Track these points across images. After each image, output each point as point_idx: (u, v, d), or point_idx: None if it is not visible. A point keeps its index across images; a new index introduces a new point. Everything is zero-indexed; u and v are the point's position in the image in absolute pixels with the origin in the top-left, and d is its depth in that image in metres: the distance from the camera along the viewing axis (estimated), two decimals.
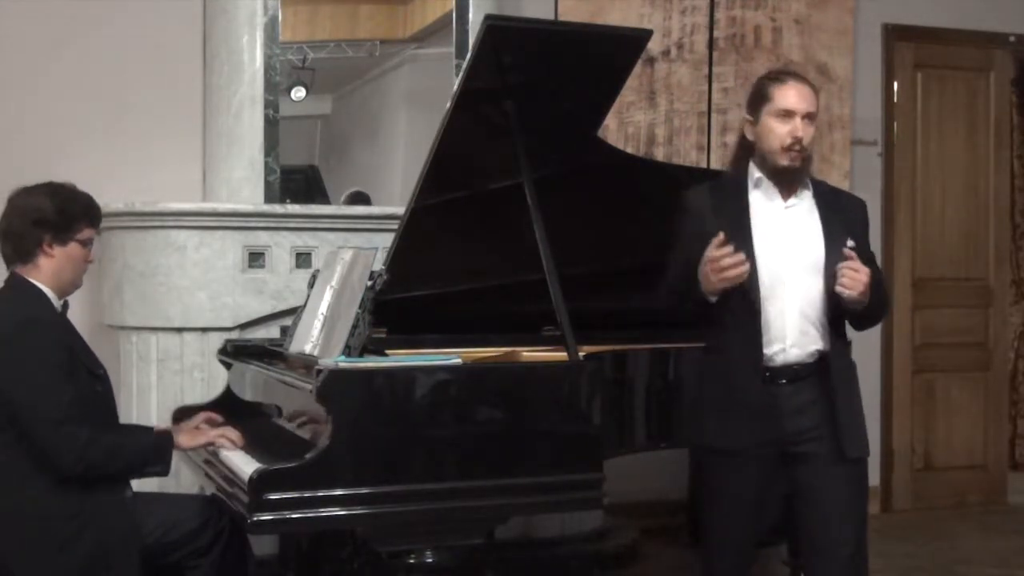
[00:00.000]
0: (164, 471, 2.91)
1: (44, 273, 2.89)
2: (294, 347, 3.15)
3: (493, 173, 3.13)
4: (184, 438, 2.98)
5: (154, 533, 2.88)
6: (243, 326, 4.03)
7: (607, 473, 2.73)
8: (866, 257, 2.79)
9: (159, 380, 4.00)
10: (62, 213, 2.89)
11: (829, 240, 2.80)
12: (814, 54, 5.30)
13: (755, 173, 2.87)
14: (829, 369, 2.80)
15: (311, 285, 3.30)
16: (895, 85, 5.61)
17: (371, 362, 2.72)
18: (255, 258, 4.05)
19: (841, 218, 2.85)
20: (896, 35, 5.59)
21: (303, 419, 2.81)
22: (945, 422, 5.71)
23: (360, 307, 2.84)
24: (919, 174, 5.66)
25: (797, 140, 2.78)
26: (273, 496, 2.46)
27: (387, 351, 2.92)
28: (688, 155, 5.10)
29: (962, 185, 5.73)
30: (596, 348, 2.97)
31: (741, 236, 2.77)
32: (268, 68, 4.24)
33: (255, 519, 2.46)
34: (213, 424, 3.11)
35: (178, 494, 3.43)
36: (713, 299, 2.76)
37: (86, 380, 2.87)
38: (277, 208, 4.12)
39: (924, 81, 5.68)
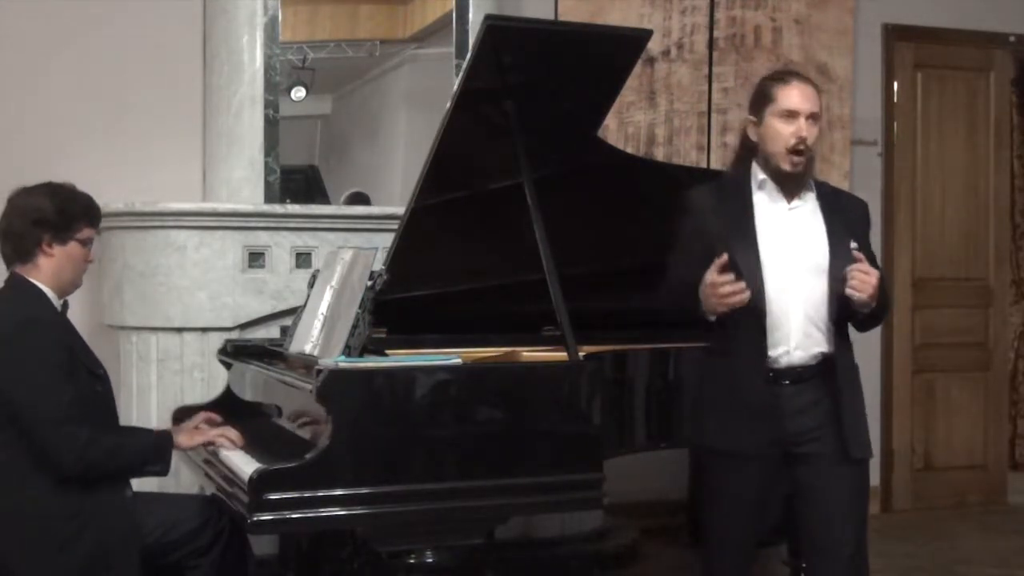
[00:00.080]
0: (164, 471, 2.91)
1: (44, 273, 2.89)
2: (294, 347, 3.15)
3: (493, 173, 3.13)
4: (183, 438, 2.99)
5: (154, 533, 2.88)
6: (243, 326, 4.03)
7: (607, 473, 2.73)
8: (867, 257, 2.79)
9: (159, 380, 4.00)
10: (62, 213, 2.89)
11: (833, 242, 2.79)
12: (814, 54, 5.30)
13: (759, 174, 2.86)
14: (834, 370, 2.79)
15: (311, 285, 3.30)
16: (895, 85, 5.61)
17: (371, 362, 2.72)
18: (255, 258, 4.05)
19: (844, 219, 2.85)
20: (896, 35, 5.59)
21: (303, 419, 2.81)
22: (945, 422, 5.71)
23: (360, 307, 2.84)
24: (919, 174, 5.66)
25: (801, 140, 2.77)
26: (273, 496, 2.46)
27: (387, 351, 2.92)
28: (688, 155, 5.10)
29: (962, 185, 5.73)
30: (596, 348, 2.97)
31: (746, 238, 2.77)
32: (268, 68, 4.24)
33: (255, 519, 2.46)
34: (212, 424, 3.11)
35: (178, 494, 3.43)
36: (713, 318, 2.75)
37: (86, 380, 2.87)
38: (277, 208, 4.12)
39: (924, 81, 5.68)
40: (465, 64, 2.93)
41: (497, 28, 2.80)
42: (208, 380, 3.95)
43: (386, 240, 3.22)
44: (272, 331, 3.97)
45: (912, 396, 5.65)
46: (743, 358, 2.77)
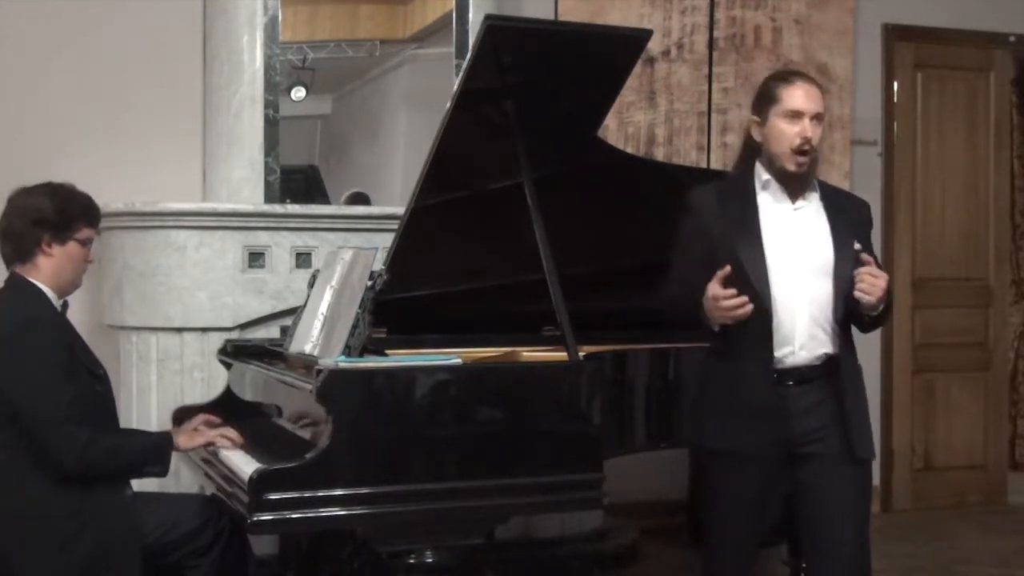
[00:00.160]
0: (163, 472, 2.91)
1: (44, 273, 2.90)
2: (294, 347, 3.15)
3: (493, 173, 3.13)
4: (183, 439, 2.98)
5: (154, 533, 2.88)
6: (243, 326, 4.03)
7: (607, 473, 2.73)
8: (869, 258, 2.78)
9: (159, 380, 4.00)
10: (61, 213, 2.89)
11: (837, 242, 2.79)
12: (814, 54, 5.30)
13: (763, 175, 2.85)
14: (838, 371, 2.79)
15: (311, 285, 3.30)
16: (895, 85, 5.61)
17: (371, 362, 2.72)
18: (255, 258, 4.05)
19: (847, 220, 2.84)
20: (896, 35, 5.59)
21: (303, 419, 2.81)
22: (945, 422, 5.71)
23: (360, 307, 2.84)
24: (919, 174, 5.66)
25: (806, 141, 2.76)
26: (273, 496, 2.46)
27: (387, 351, 2.92)
28: (688, 155, 5.10)
29: (962, 185, 5.73)
30: (596, 348, 2.97)
31: (751, 238, 2.76)
32: (268, 68, 4.25)
33: (255, 519, 2.46)
34: (211, 425, 3.11)
35: (178, 494, 3.43)
36: (716, 328, 2.75)
37: (86, 380, 2.88)
38: (277, 208, 4.12)
39: (924, 81, 5.68)
40: (465, 64, 2.93)
41: (497, 28, 2.81)
42: (208, 380, 3.95)
43: (386, 240, 3.22)
44: (272, 331, 3.97)
45: (912, 396, 5.65)
46: (748, 359, 2.77)
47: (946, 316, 5.70)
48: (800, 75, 2.89)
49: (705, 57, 5.14)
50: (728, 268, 2.68)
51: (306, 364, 2.94)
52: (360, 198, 4.79)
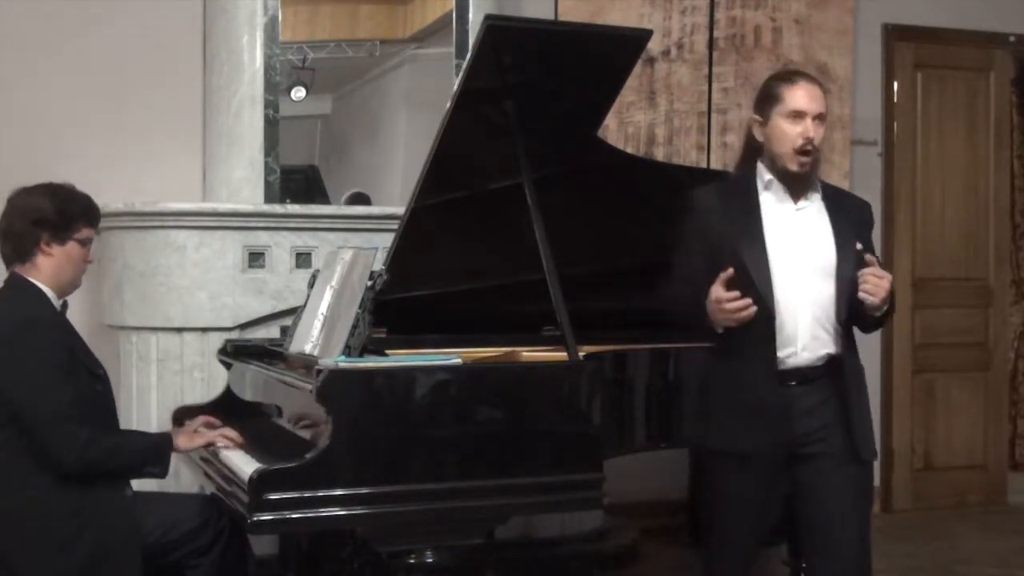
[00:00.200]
0: (162, 473, 2.91)
1: (43, 273, 2.90)
2: (294, 347, 3.15)
3: (493, 173, 3.13)
4: (183, 440, 2.98)
5: (154, 533, 2.88)
6: (243, 326, 4.03)
7: (607, 473, 2.73)
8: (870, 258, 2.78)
9: (159, 380, 4.00)
10: (61, 213, 2.89)
11: (840, 243, 2.79)
12: (814, 54, 5.30)
13: (765, 175, 2.84)
14: (841, 371, 2.79)
15: (311, 285, 3.30)
16: (895, 85, 5.61)
17: (371, 362, 2.72)
18: (255, 258, 4.05)
19: (848, 220, 2.84)
20: (896, 35, 5.59)
21: (303, 419, 2.81)
22: (945, 422, 5.71)
23: (360, 307, 2.84)
24: (919, 174, 5.66)
25: (809, 141, 2.76)
26: (273, 496, 2.46)
27: (387, 351, 2.92)
28: (688, 155, 5.10)
29: (962, 185, 5.73)
30: (596, 348, 2.97)
31: (754, 239, 2.76)
32: (268, 68, 4.24)
33: (255, 519, 2.46)
34: (211, 427, 3.11)
35: (178, 493, 3.43)
36: (720, 331, 2.74)
37: (86, 380, 2.88)
38: (277, 208, 4.12)
39: (924, 81, 5.68)
40: (465, 64, 2.93)
41: (497, 28, 2.80)
42: (208, 380, 3.95)
43: (386, 240, 3.22)
44: (272, 331, 3.97)
45: (912, 396, 5.65)
46: (751, 360, 2.76)
47: (946, 316, 5.70)
48: (803, 75, 2.88)
49: (705, 57, 5.14)
50: (731, 271, 2.67)
51: (306, 364, 2.94)
52: (360, 198, 4.79)
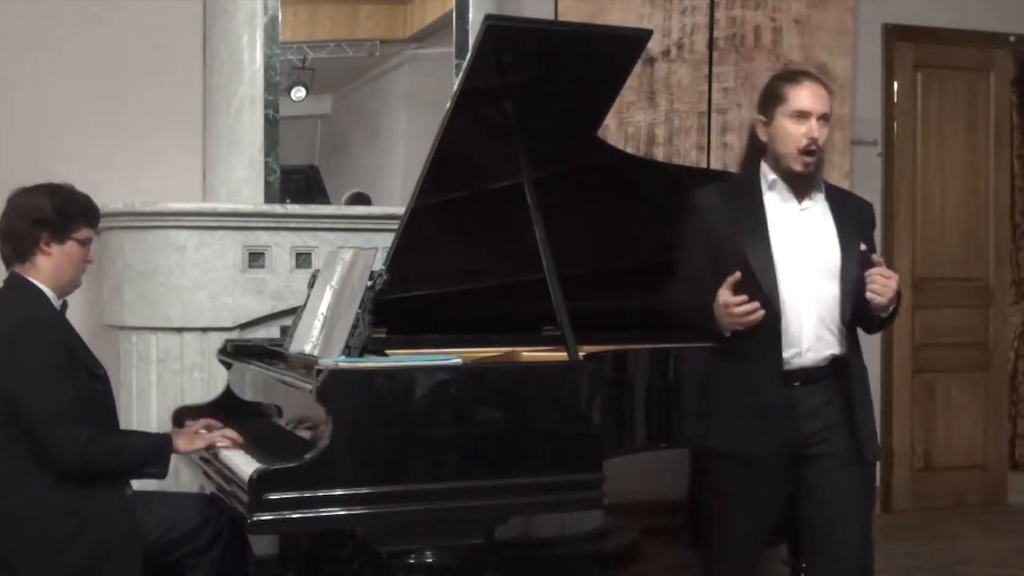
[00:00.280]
0: (162, 474, 2.91)
1: (43, 272, 2.90)
2: (294, 347, 3.15)
3: (493, 173, 3.13)
4: (183, 442, 2.98)
5: (154, 532, 2.88)
6: (243, 326, 4.03)
7: (607, 473, 2.73)
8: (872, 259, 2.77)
9: (159, 380, 4.00)
10: (60, 212, 2.89)
11: (844, 244, 2.78)
12: (814, 54, 5.30)
13: (769, 175, 2.84)
14: (845, 371, 2.78)
15: (311, 285, 3.30)
16: (895, 85, 5.61)
17: (371, 362, 2.72)
18: (255, 258, 4.05)
19: (852, 220, 2.84)
20: (896, 35, 5.59)
21: (303, 419, 2.81)
22: (945, 422, 5.71)
23: (360, 307, 2.84)
24: (919, 174, 5.66)
25: (813, 141, 2.75)
26: (273, 496, 2.46)
27: (387, 351, 2.92)
28: (688, 155, 5.10)
29: (962, 185, 5.73)
30: (596, 348, 2.97)
31: (759, 239, 2.75)
32: (268, 68, 4.24)
33: (255, 519, 2.46)
34: (212, 430, 3.11)
35: (178, 493, 3.43)
36: (728, 334, 2.74)
37: (86, 380, 2.88)
38: (277, 208, 4.12)
39: (924, 81, 5.68)
40: (465, 64, 2.92)
41: (497, 28, 2.80)
42: (208, 380, 3.94)
43: (386, 240, 3.22)
44: (272, 331, 3.97)
45: (912, 396, 5.65)
46: (756, 361, 2.75)
47: (946, 316, 5.70)
48: (807, 75, 2.87)
49: (705, 57, 5.14)
50: (738, 274, 2.66)
51: (306, 364, 2.94)
52: (360, 198, 4.79)
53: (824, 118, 2.78)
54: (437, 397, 2.62)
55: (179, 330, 3.99)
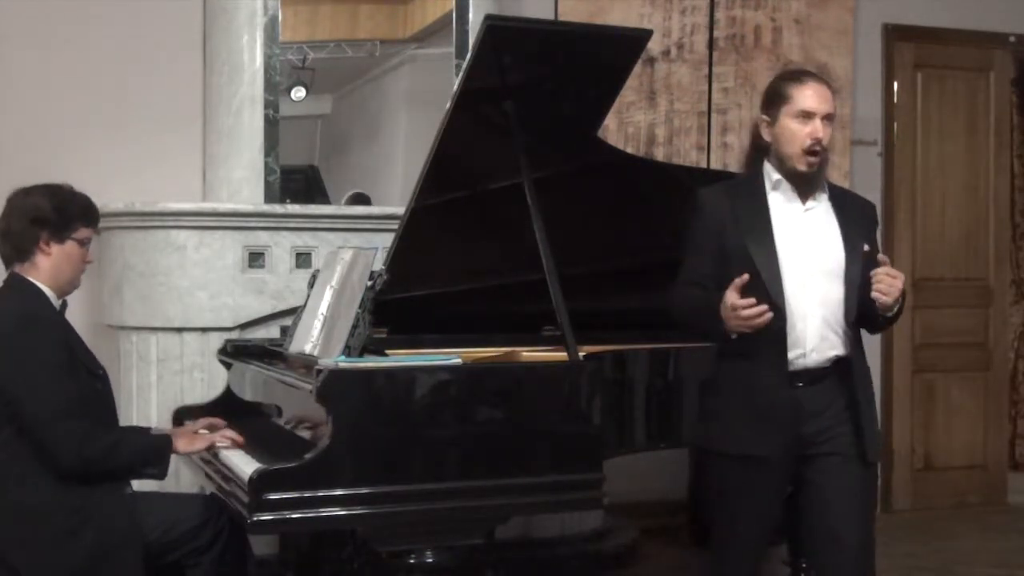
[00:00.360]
0: (161, 474, 2.91)
1: (42, 272, 2.90)
2: (294, 347, 3.15)
3: (493, 173, 3.13)
4: (183, 443, 2.97)
5: (154, 532, 2.88)
6: (243, 326, 4.03)
7: (607, 473, 2.73)
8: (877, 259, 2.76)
9: (159, 380, 4.00)
10: (60, 212, 2.90)
11: (848, 244, 2.77)
12: (814, 54, 5.30)
13: (773, 175, 2.82)
14: (849, 371, 2.77)
15: (311, 285, 3.30)
16: (895, 85, 5.61)
17: (371, 362, 2.72)
18: (255, 258, 4.05)
19: (855, 221, 2.83)
20: (896, 35, 5.59)
21: (303, 419, 2.81)
22: (945, 422, 5.71)
23: (360, 307, 2.84)
24: (919, 174, 5.66)
25: (817, 141, 2.74)
26: (273, 496, 2.46)
27: (387, 351, 2.92)
28: (688, 155, 5.10)
29: (962, 185, 5.73)
30: (596, 348, 2.97)
31: (764, 239, 2.74)
32: (268, 68, 4.24)
33: (255, 519, 2.46)
34: (215, 428, 3.11)
35: (178, 493, 3.43)
36: (734, 336, 2.73)
37: (86, 379, 2.88)
38: (277, 208, 4.12)
39: (924, 81, 5.68)
40: (465, 64, 2.93)
41: (497, 28, 2.80)
42: (208, 380, 3.95)
43: (386, 240, 3.22)
44: (272, 331, 3.97)
45: (912, 396, 5.65)
46: (762, 362, 2.73)
47: (946, 316, 5.70)
48: (811, 75, 2.86)
49: (705, 57, 5.14)
50: (746, 276, 2.65)
51: (306, 364, 2.94)
52: (360, 198, 4.79)
53: (828, 118, 2.77)
54: (437, 397, 2.62)
55: (179, 330, 3.99)
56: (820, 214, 2.82)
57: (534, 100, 2.98)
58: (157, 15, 4.37)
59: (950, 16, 5.64)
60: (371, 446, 2.55)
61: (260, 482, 2.45)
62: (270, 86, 4.25)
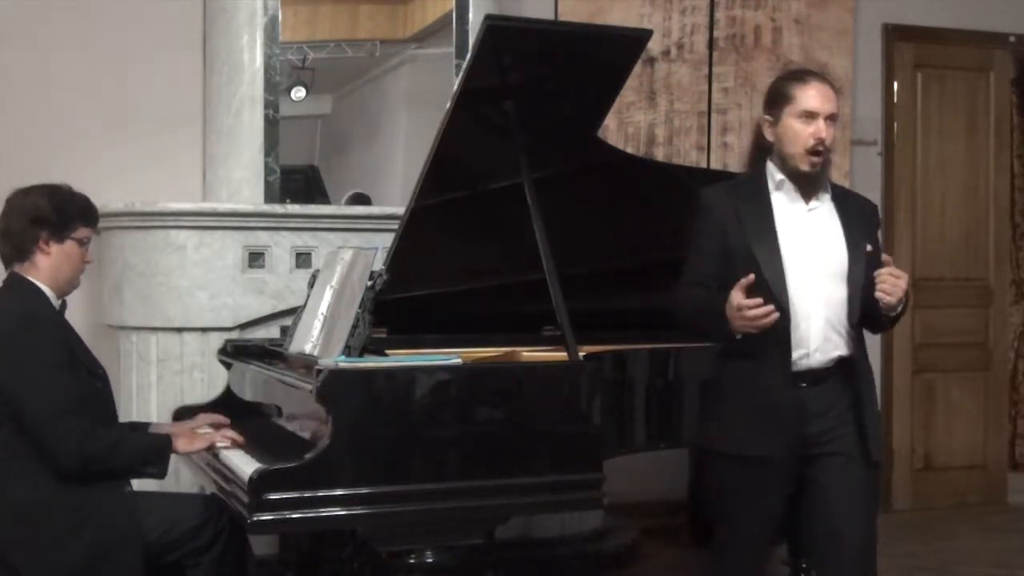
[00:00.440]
0: (161, 473, 2.91)
1: (42, 272, 2.90)
2: (294, 347, 3.15)
3: (493, 173, 3.13)
4: (182, 443, 2.96)
5: (154, 532, 2.87)
6: (243, 326, 4.03)
7: (607, 473, 2.73)
8: (880, 259, 2.76)
9: (159, 380, 4.00)
10: (59, 211, 2.90)
11: (851, 245, 2.77)
12: (814, 54, 5.30)
13: (776, 175, 2.82)
14: (853, 371, 2.77)
15: (311, 285, 3.30)
16: (895, 85, 5.61)
17: (371, 362, 2.72)
18: (255, 258, 4.05)
19: (857, 221, 2.83)
20: (896, 35, 5.59)
21: (303, 419, 2.81)
22: (945, 422, 5.71)
23: (360, 307, 2.84)
24: (919, 174, 5.66)
25: (820, 141, 2.74)
26: (273, 496, 2.46)
27: (387, 351, 2.92)
28: (688, 155, 5.10)
29: (962, 185, 5.73)
30: (596, 348, 2.97)
31: (768, 240, 2.74)
32: (268, 68, 4.24)
33: (255, 519, 2.46)
34: (217, 426, 3.11)
35: (178, 493, 3.43)
36: (739, 336, 2.73)
37: (86, 379, 2.88)
38: (277, 208, 4.12)
39: (924, 81, 5.68)
40: (465, 64, 2.93)
41: (497, 28, 2.81)
42: (208, 380, 3.95)
43: (386, 240, 3.22)
44: (272, 331, 3.97)
45: (912, 396, 5.65)
46: (766, 363, 2.73)
47: (946, 316, 5.70)
48: (814, 74, 2.86)
49: (705, 57, 5.14)
50: (752, 276, 2.65)
51: (306, 364, 2.93)
52: (360, 198, 4.80)
53: (831, 118, 2.77)
54: (437, 397, 2.62)
55: (179, 330, 3.99)
56: (823, 214, 2.82)
57: (534, 100, 2.98)
58: (157, 15, 4.37)
59: (950, 16, 5.64)
60: (371, 446, 2.55)
61: (260, 482, 2.45)
62: (270, 86, 4.25)
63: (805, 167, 2.76)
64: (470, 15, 4.48)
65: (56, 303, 2.93)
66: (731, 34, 5.18)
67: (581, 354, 2.79)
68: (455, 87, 2.97)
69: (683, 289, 2.84)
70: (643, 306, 3.13)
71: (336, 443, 2.51)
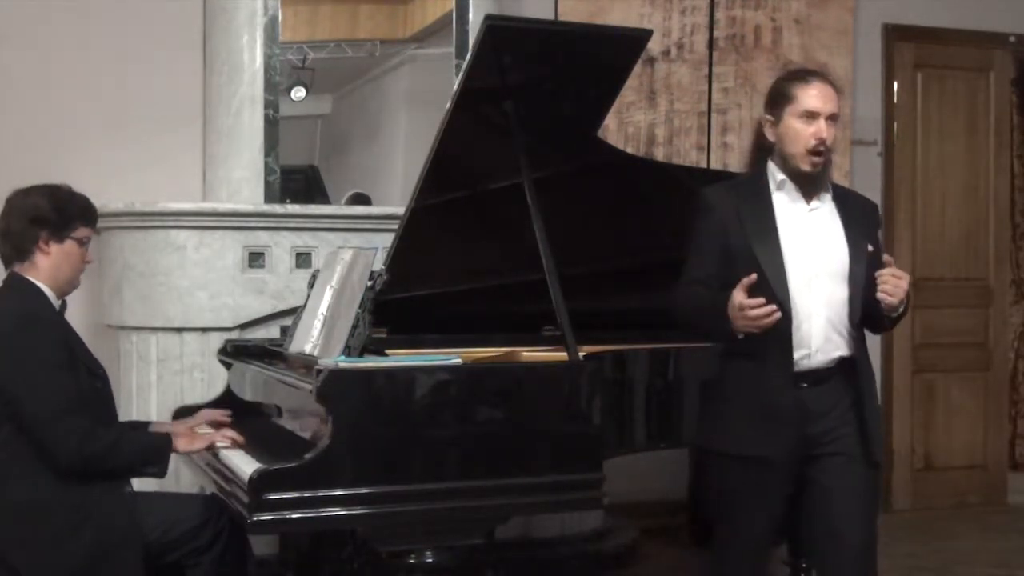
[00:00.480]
0: (161, 473, 2.91)
1: (42, 271, 2.90)
2: (294, 347, 3.15)
3: (493, 173, 3.13)
4: (182, 443, 2.96)
5: (154, 532, 2.88)
6: (243, 326, 4.03)
7: (607, 473, 2.73)
8: (880, 260, 2.76)
9: (159, 380, 4.00)
10: (59, 211, 2.90)
11: (852, 245, 2.77)
12: (814, 54, 5.30)
13: (777, 175, 2.82)
14: (854, 371, 2.77)
15: (311, 285, 3.30)
16: (895, 85, 5.61)
17: (371, 362, 2.72)
18: (255, 258, 4.05)
19: (858, 221, 2.83)
20: (896, 35, 5.59)
21: (303, 419, 2.81)
22: (945, 422, 5.71)
23: (360, 307, 2.84)
24: (919, 174, 5.66)
25: (821, 141, 2.74)
26: (273, 496, 2.46)
27: (387, 351, 2.92)
28: (688, 155, 5.10)
29: (962, 185, 5.73)
30: (596, 348, 2.97)
31: (769, 240, 2.74)
32: (268, 68, 4.24)
33: (255, 519, 2.46)
34: (217, 424, 3.11)
35: (178, 493, 3.43)
36: (741, 336, 2.72)
37: (86, 379, 2.88)
38: (277, 208, 4.12)
39: (924, 81, 5.68)
40: (465, 64, 2.93)
41: (497, 28, 2.80)
42: (208, 380, 3.95)
43: (386, 240, 3.22)
44: (272, 331, 3.97)
45: (912, 396, 5.65)
46: (768, 364, 2.73)
47: (946, 316, 5.70)
48: (816, 74, 2.85)
49: (705, 57, 5.14)
50: (754, 276, 2.64)
51: (306, 364, 2.93)
52: (360, 198, 4.80)
53: (833, 118, 2.77)
54: (437, 397, 2.62)
55: (179, 330, 3.99)
56: (824, 214, 2.82)
57: (534, 100, 2.98)
58: (157, 15, 4.37)
59: (950, 16, 5.64)
60: (371, 446, 2.55)
61: (260, 482, 2.45)
62: (270, 86, 4.25)
63: (806, 167, 2.76)
64: (470, 15, 4.48)
65: (56, 303, 2.93)
66: (731, 34, 5.18)
67: (581, 354, 2.78)
68: (455, 87, 2.97)
69: (684, 289, 2.84)
70: (643, 306, 3.13)
71: (336, 443, 2.51)
